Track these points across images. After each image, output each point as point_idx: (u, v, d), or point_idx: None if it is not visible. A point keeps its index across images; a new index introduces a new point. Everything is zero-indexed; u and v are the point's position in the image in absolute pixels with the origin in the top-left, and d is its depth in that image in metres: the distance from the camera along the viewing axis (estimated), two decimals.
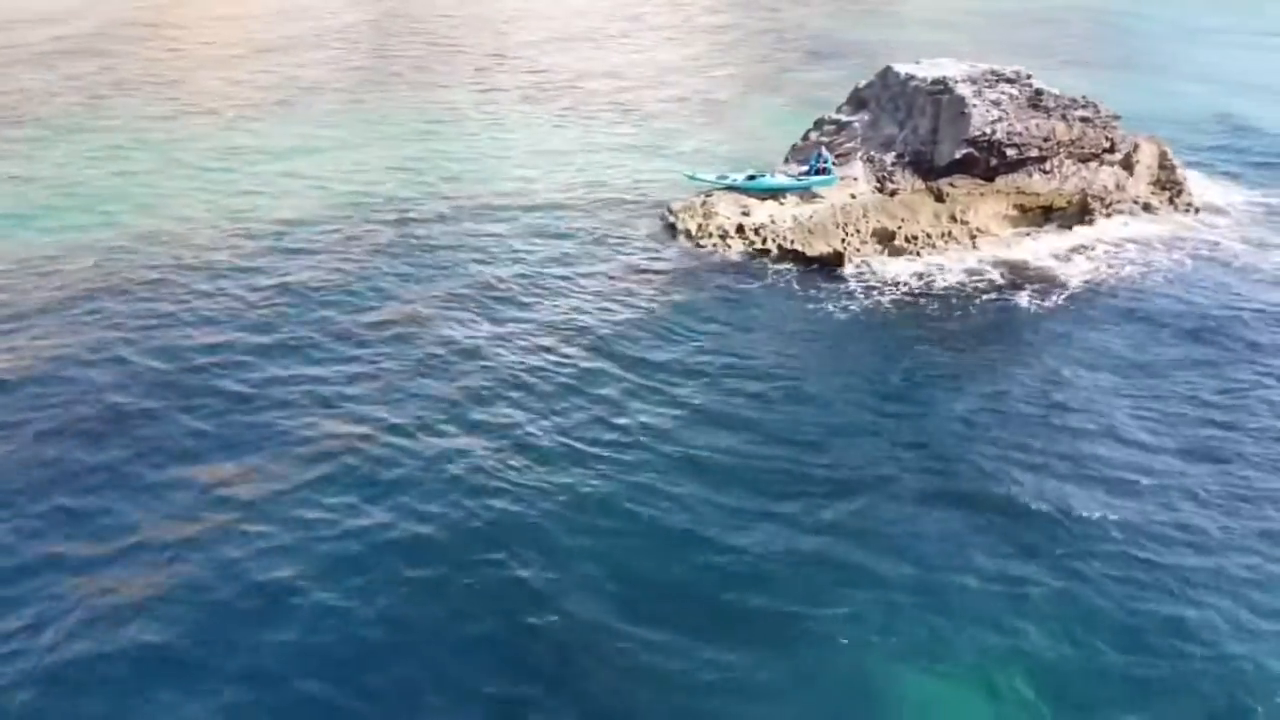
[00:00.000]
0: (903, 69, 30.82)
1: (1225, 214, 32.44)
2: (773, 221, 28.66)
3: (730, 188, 30.44)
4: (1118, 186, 31.31)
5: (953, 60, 31.24)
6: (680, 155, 37.09)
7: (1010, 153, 29.48)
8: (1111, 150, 31.21)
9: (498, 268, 27.98)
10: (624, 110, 44.32)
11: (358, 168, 35.68)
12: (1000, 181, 29.90)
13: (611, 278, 27.29)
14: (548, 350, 23.55)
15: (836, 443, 20.20)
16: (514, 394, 21.69)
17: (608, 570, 16.78)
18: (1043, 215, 30.55)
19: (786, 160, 32.81)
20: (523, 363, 22.90)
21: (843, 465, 19.53)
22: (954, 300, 26.34)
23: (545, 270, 27.99)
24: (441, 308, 25.67)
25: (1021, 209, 30.21)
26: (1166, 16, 67.76)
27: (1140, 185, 32.13)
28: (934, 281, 27.02)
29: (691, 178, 31.51)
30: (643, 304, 25.99)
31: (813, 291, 26.55)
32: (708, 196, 30.47)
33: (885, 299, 26.10)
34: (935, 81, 29.65)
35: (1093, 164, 30.93)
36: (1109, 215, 30.87)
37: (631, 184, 34.45)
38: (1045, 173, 30.20)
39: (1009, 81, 29.90)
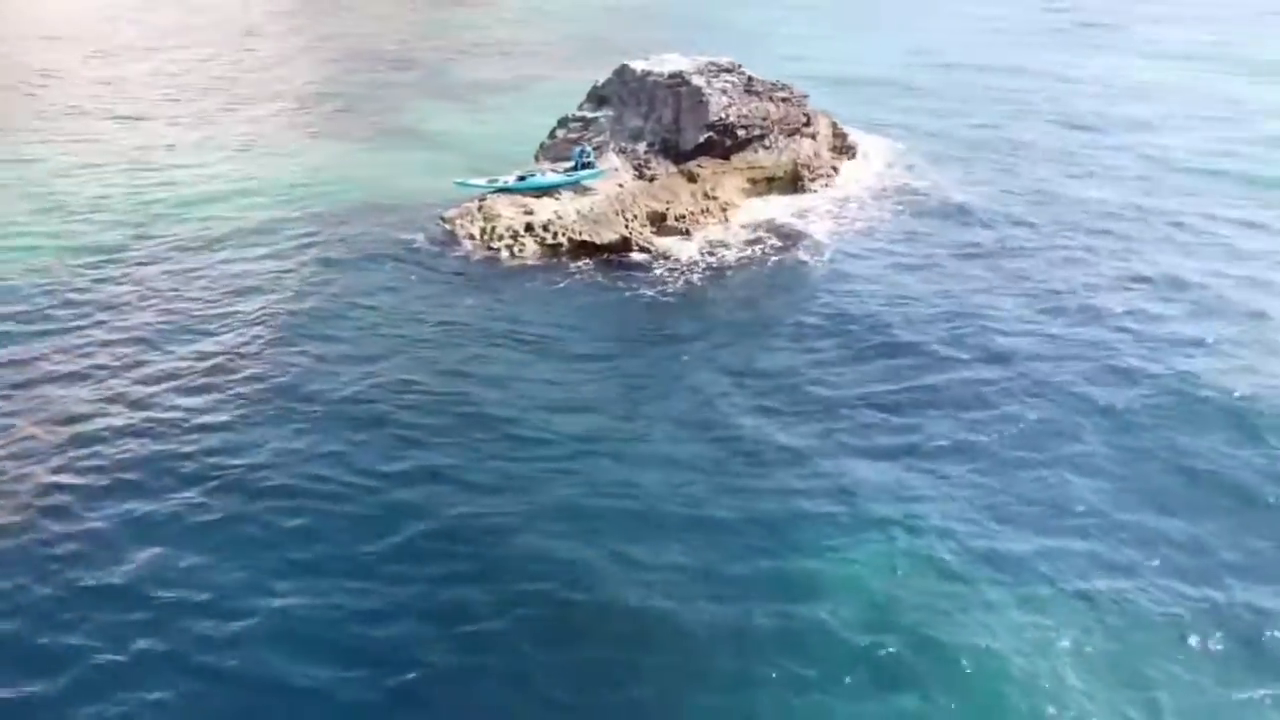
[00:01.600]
0: (638, 66, 33.80)
1: (891, 165, 39.37)
2: (558, 217, 30.40)
3: (502, 190, 31.64)
4: (815, 154, 36.82)
5: (678, 55, 34.78)
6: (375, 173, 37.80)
7: (741, 133, 33.64)
8: (807, 124, 36.59)
9: (299, 300, 27.42)
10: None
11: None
12: (735, 159, 33.99)
13: (420, 297, 27.61)
14: (368, 370, 23.74)
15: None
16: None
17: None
18: (768, 184, 35.22)
19: (537, 159, 34.58)
20: (339, 393, 22.95)
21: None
22: (730, 269, 29.94)
23: (334, 293, 27.72)
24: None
25: (753, 181, 34.56)
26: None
27: (825, 151, 37.98)
28: (711, 253, 30.36)
29: (461, 185, 32.21)
30: (459, 312, 26.87)
31: (614, 278, 28.89)
32: (481, 201, 31.49)
33: (678, 276, 28.93)
34: (672, 75, 32.98)
35: (796, 137, 36.10)
36: (813, 179, 36.25)
37: (381, 197, 34.56)
38: (766, 148, 34.72)
39: (727, 71, 33.98)
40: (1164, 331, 26.05)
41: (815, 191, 35.24)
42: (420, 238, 30.93)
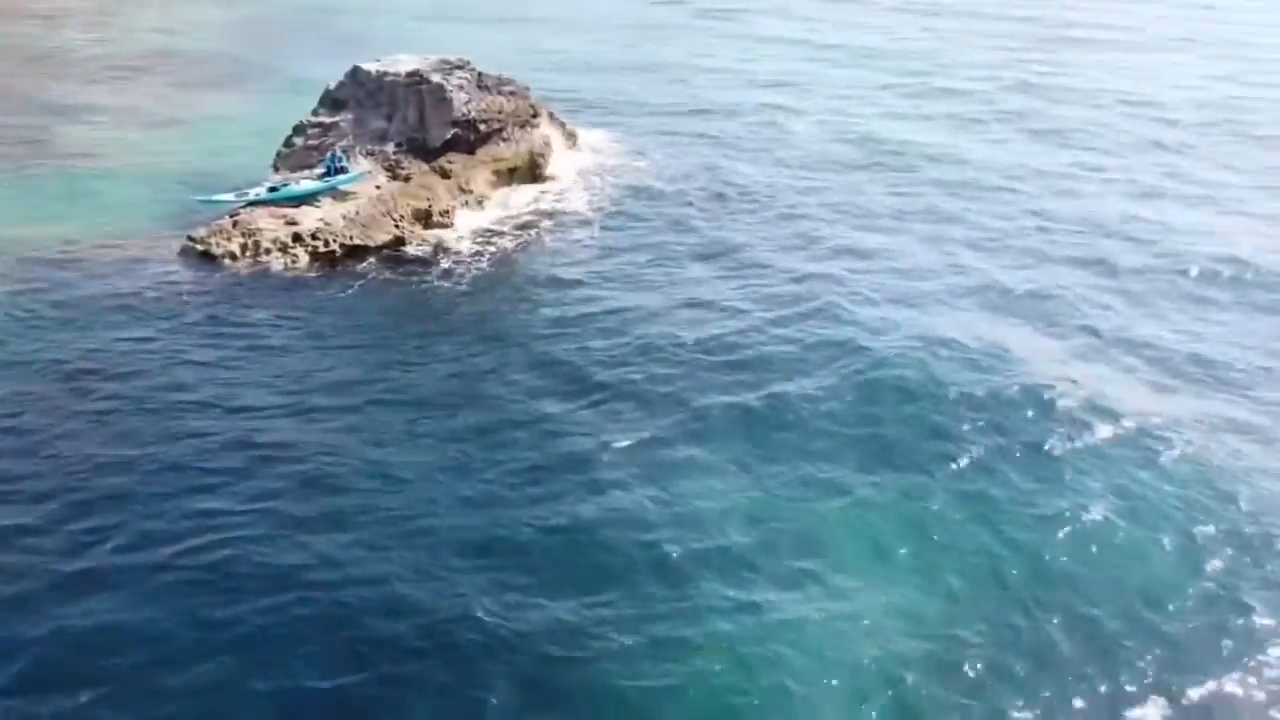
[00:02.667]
0: (371, 67, 33.60)
1: (611, 149, 42.01)
2: (326, 224, 29.70)
3: (254, 203, 30.28)
4: (547, 144, 38.55)
5: (408, 54, 34.90)
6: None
7: (482, 127, 34.57)
8: (535, 116, 38.20)
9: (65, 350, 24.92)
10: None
11: None
12: (480, 153, 34.87)
13: (198, 322, 25.99)
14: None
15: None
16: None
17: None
18: (510, 175, 36.43)
19: (275, 169, 33.28)
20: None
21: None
22: (503, 255, 30.83)
23: (95, 335, 25.48)
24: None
25: (498, 173, 35.63)
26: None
27: (555, 141, 39.88)
28: (486, 242, 31.19)
29: (206, 202, 30.39)
30: (232, 338, 25.66)
31: (400, 275, 28.99)
32: (234, 217, 29.92)
33: (461, 267, 29.53)
34: (411, 74, 33.16)
35: (527, 129, 37.58)
36: (548, 167, 37.88)
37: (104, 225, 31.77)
38: (505, 141, 35.91)
39: (459, 68, 34.70)
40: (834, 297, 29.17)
41: (554, 178, 37.08)
42: (170, 266, 28.93)
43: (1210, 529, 19.40)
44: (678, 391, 23.57)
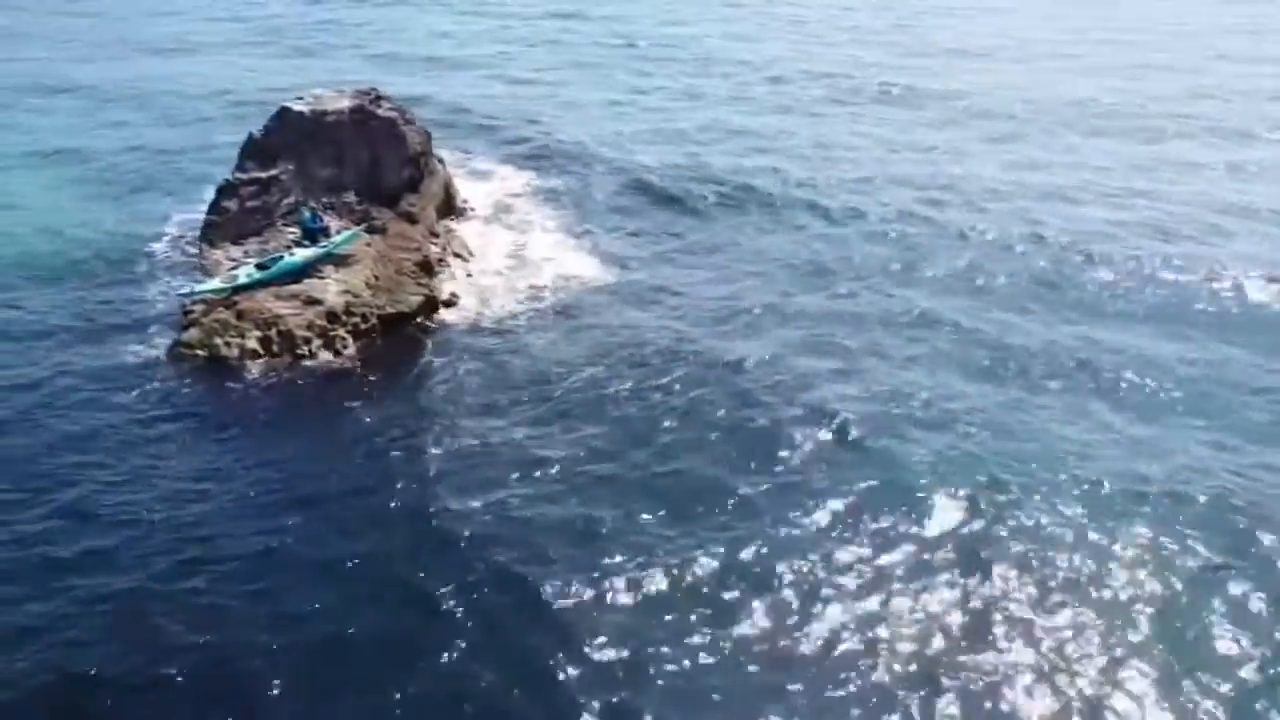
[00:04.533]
0: (302, 108, 27.88)
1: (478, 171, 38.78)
2: (353, 296, 24.57)
3: (244, 287, 24.19)
4: (449, 173, 34.72)
5: (326, 90, 29.37)
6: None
7: (424, 162, 30.43)
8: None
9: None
10: None
11: None
12: (422, 189, 30.63)
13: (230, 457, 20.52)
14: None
15: None
16: None
17: None
18: (439, 212, 32.50)
19: (211, 243, 26.67)
20: None
21: None
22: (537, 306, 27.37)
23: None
24: None
25: (436, 209, 31.64)
26: None
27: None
28: (516, 292, 27.46)
29: (194, 294, 23.69)
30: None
31: (476, 349, 24.50)
32: (228, 306, 23.68)
33: (522, 325, 25.76)
34: (355, 111, 28.08)
35: (434, 160, 33.62)
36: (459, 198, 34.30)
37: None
38: (430, 173, 31.90)
39: (384, 99, 30.05)
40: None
41: (471, 210, 33.79)
42: (167, 384, 22.38)
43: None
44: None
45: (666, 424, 21.49)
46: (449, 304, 26.39)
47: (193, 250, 29.10)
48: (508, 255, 30.36)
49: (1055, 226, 32.75)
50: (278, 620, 16.07)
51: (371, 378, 23.19)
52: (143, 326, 24.76)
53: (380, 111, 28.73)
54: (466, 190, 35.09)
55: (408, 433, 21.09)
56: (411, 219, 29.20)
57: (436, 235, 29.42)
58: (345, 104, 28.58)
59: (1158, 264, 29.86)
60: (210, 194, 32.68)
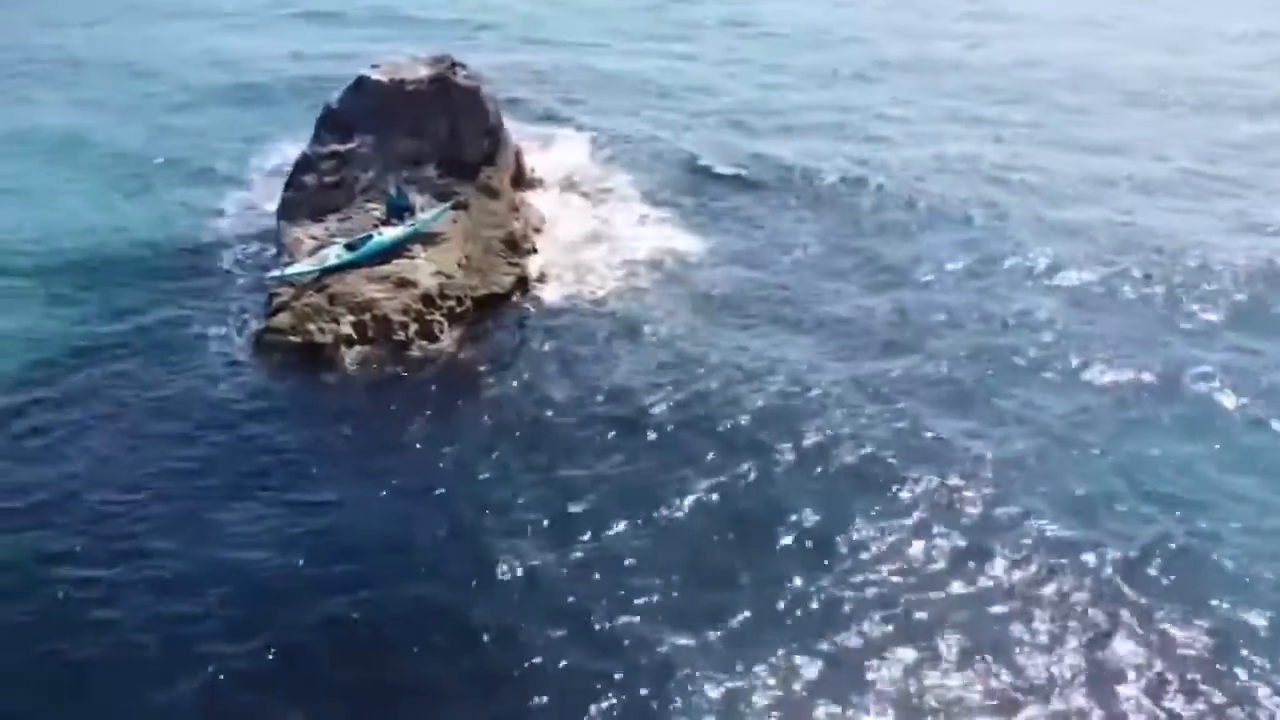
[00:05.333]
0: (380, 77, 26.45)
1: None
2: (446, 277, 23.33)
3: (333, 269, 22.94)
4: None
5: (404, 57, 27.93)
6: None
7: (500, 133, 29.01)
8: None
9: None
10: None
11: None
12: (498, 161, 29.23)
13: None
14: None
15: None
16: None
17: None
18: (514, 185, 31.05)
19: (290, 218, 25.47)
20: None
21: None
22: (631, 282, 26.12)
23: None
24: None
25: (515, 182, 30.26)
26: None
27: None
28: (613, 267, 26.14)
29: (285, 278, 22.50)
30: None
31: (582, 331, 23.19)
32: (318, 290, 22.46)
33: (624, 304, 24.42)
34: (435, 80, 26.63)
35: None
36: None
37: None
38: (503, 144, 30.39)
39: (456, 66, 28.54)
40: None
41: (540, 181, 32.34)
42: (254, 364, 21.28)
43: None
44: None
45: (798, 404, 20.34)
46: (540, 282, 25.16)
47: (264, 228, 28.04)
48: (588, 228, 29.00)
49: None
50: (402, 622, 15.07)
51: (472, 365, 22.01)
52: (224, 313, 23.52)
53: (460, 80, 27.22)
54: (532, 160, 33.77)
55: (515, 423, 19.87)
56: (493, 193, 27.79)
57: (517, 210, 28.00)
58: (424, 72, 27.09)
59: None
60: (259, 171, 31.87)
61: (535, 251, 26.56)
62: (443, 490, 17.92)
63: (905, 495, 17.73)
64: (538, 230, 28.09)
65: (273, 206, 29.96)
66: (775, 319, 24.11)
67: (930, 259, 27.02)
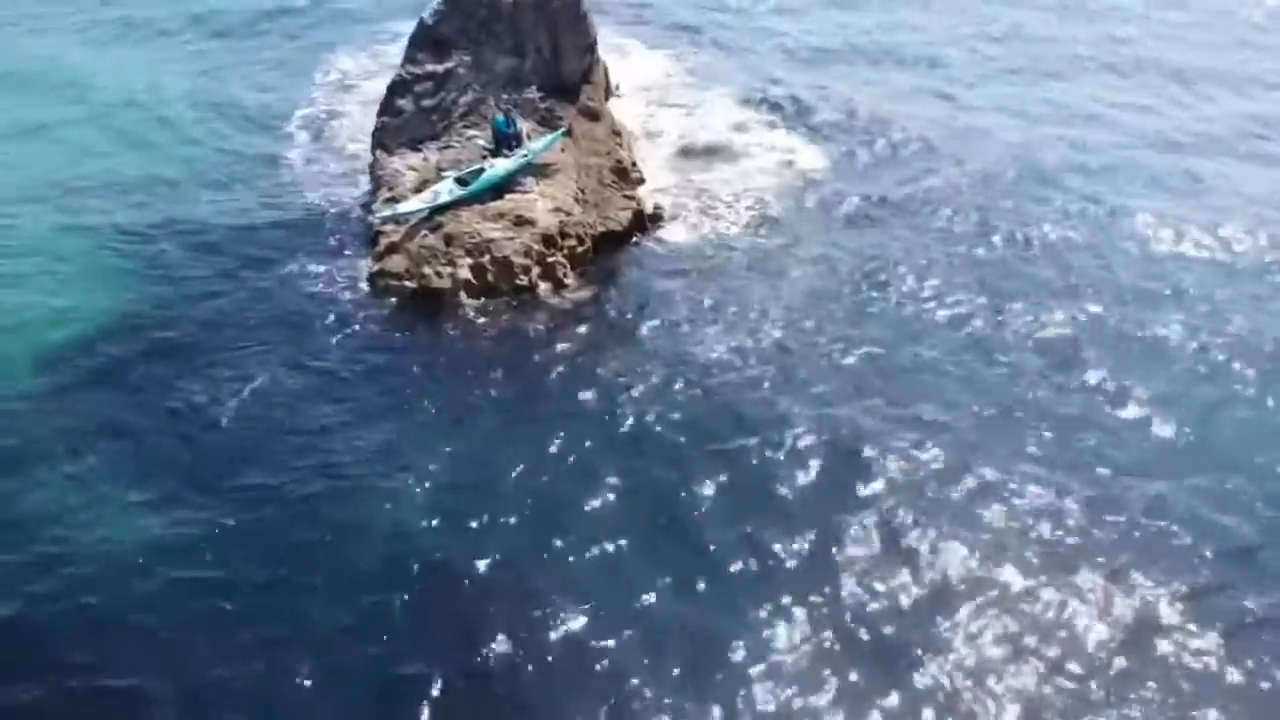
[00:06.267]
0: None
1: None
2: (565, 214, 21.59)
3: (445, 206, 21.18)
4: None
5: None
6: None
7: (595, 49, 26.78)
8: None
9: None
10: None
11: None
12: (594, 78, 27.08)
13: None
14: None
15: None
16: None
17: None
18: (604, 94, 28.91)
19: (386, 149, 23.49)
20: None
21: None
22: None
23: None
24: None
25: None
26: None
27: None
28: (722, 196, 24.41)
29: (391, 217, 20.82)
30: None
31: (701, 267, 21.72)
32: (430, 231, 20.76)
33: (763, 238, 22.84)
34: None
35: None
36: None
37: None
38: (597, 60, 28.18)
39: None
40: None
41: (621, 94, 30.12)
42: (367, 311, 19.76)
43: None
44: None
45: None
46: (655, 218, 23.42)
47: (341, 153, 26.24)
48: (690, 144, 27.17)
49: None
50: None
51: (602, 313, 20.44)
52: (324, 253, 21.89)
53: None
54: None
55: (660, 385, 18.22)
56: (594, 115, 25.74)
57: (619, 134, 25.99)
58: None
59: None
60: (322, 88, 29.75)
61: (644, 181, 24.81)
62: (590, 452, 16.61)
63: None
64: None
65: (341, 128, 28.34)
66: (931, 240, 22.68)
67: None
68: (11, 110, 28.93)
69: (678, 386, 17.94)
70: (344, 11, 38.22)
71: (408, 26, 37.85)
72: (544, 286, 20.63)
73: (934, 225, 23.46)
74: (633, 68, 32.43)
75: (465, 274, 20.36)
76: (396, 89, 23.91)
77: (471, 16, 24.31)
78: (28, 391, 17.75)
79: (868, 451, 16.32)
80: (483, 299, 20.23)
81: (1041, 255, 22.27)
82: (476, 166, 21.98)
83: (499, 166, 22.04)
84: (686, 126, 28.48)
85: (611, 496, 15.64)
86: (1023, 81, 32.45)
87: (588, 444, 16.76)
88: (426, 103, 23.68)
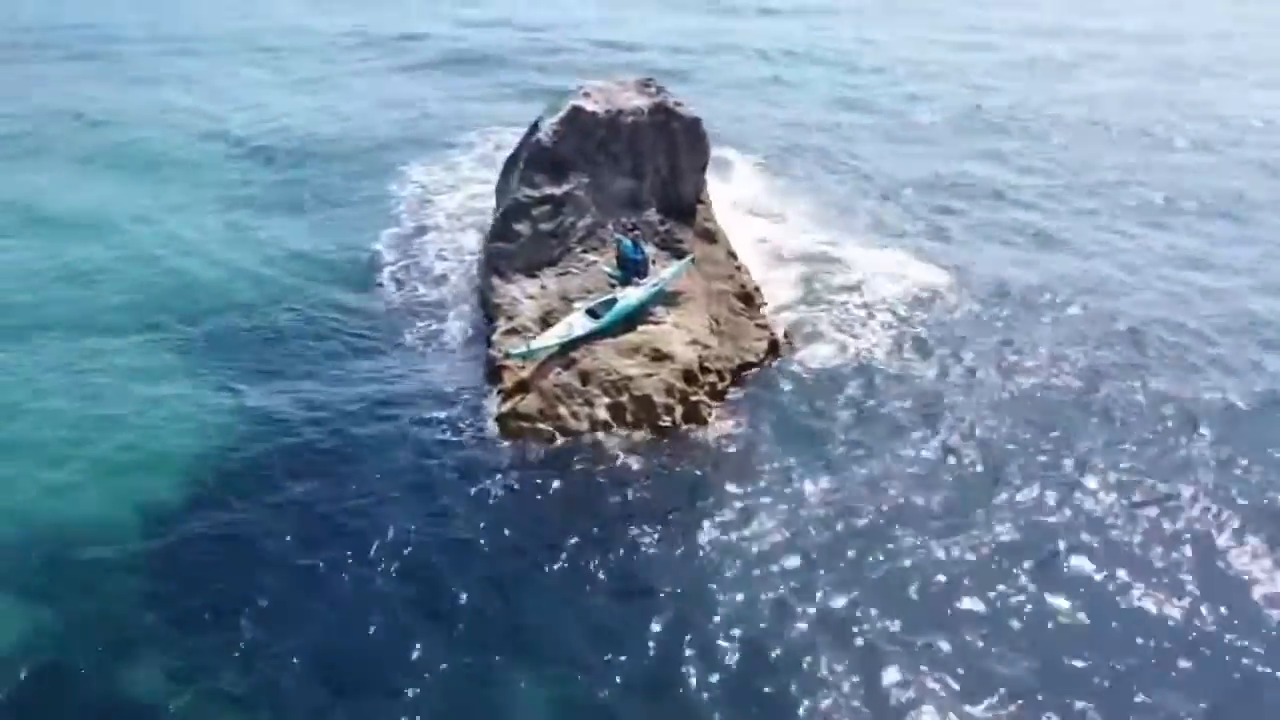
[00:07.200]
0: (590, 106, 23.03)
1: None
2: (703, 346, 20.03)
3: (579, 341, 19.61)
4: None
5: (606, 80, 24.53)
6: None
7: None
8: None
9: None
10: None
11: None
12: (705, 198, 25.89)
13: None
14: None
15: None
16: None
17: None
18: None
19: (501, 274, 22.04)
20: None
21: None
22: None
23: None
24: None
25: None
26: None
27: None
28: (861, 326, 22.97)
29: (524, 355, 19.19)
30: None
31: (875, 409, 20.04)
32: (563, 369, 19.13)
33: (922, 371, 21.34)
34: (655, 110, 23.23)
35: None
36: None
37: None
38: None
39: (663, 89, 25.18)
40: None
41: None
42: (497, 458, 17.98)
43: None
44: None
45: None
46: (790, 341, 21.86)
47: (433, 274, 25.01)
48: (796, 260, 25.95)
49: None
50: None
51: (751, 454, 18.57)
52: (440, 393, 20.11)
53: (681, 110, 23.79)
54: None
55: (824, 530, 16.57)
56: (711, 237, 24.48)
57: (736, 255, 24.68)
58: (639, 101, 23.59)
59: None
60: (402, 201, 29.18)
61: (765, 304, 23.37)
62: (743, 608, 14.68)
63: None
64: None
65: (429, 243, 27.22)
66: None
67: None
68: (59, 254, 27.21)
69: (850, 555, 16.08)
70: (410, 122, 38.00)
71: (475, 137, 37.51)
72: (686, 426, 18.98)
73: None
74: (724, 185, 31.48)
75: (603, 414, 18.68)
76: (512, 213, 22.57)
77: (590, 136, 23.13)
78: (135, 556, 15.98)
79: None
80: (627, 433, 18.61)
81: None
82: (608, 297, 20.52)
83: (631, 296, 20.55)
84: (784, 237, 27.43)
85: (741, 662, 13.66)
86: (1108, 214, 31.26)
87: (762, 625, 14.85)
88: (544, 226, 22.35)
